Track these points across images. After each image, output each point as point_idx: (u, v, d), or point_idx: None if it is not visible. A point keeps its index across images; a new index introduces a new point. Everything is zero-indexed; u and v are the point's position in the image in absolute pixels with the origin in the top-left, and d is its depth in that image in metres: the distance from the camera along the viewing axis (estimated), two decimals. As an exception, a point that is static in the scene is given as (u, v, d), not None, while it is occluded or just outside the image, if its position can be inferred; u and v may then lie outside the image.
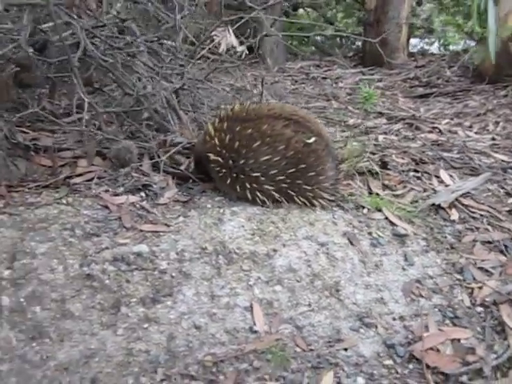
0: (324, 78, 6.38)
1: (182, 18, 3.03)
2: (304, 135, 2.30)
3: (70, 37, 2.88)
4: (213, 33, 2.73)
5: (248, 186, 2.22)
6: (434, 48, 7.62)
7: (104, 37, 2.89)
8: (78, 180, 2.32)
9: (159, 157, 2.58)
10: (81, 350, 1.64)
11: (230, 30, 2.71)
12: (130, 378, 1.58)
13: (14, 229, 1.88)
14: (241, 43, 2.72)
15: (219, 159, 2.25)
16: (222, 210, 2.18)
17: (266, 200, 2.25)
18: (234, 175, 2.24)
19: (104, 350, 1.64)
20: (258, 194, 2.23)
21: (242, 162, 2.22)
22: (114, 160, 2.41)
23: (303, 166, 2.26)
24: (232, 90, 4.18)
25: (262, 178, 2.22)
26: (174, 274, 1.86)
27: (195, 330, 1.74)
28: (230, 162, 2.24)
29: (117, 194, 2.21)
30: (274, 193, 2.24)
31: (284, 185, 2.25)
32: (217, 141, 2.27)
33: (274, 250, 2.00)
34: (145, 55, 3.01)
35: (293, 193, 2.27)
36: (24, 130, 2.73)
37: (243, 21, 3.06)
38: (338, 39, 8.30)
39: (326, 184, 2.35)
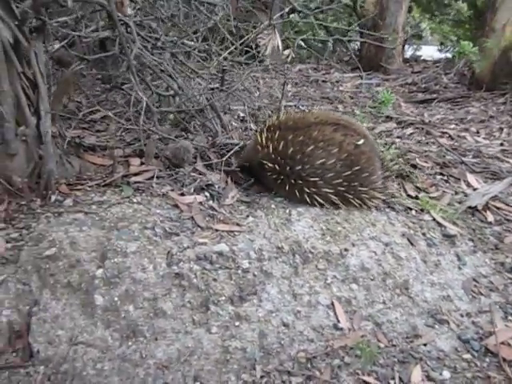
0: (324, 82, 6.49)
1: (219, 19, 3.06)
2: (353, 138, 2.38)
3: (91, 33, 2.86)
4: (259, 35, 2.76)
5: (307, 190, 2.28)
6: (425, 54, 7.88)
7: (149, 37, 2.89)
8: (137, 179, 2.31)
9: (210, 158, 2.61)
10: (178, 348, 1.66)
11: (277, 33, 2.75)
12: (231, 375, 1.62)
13: (97, 227, 1.87)
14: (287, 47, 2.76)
15: (276, 167, 2.30)
16: (287, 211, 2.23)
17: (324, 203, 2.30)
18: (293, 181, 2.29)
19: (201, 348, 1.67)
20: (317, 197, 2.28)
21: (298, 167, 2.28)
22: (172, 159, 2.42)
23: (357, 167, 2.33)
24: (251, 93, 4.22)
25: (320, 182, 2.28)
26: (256, 273, 1.90)
27: (284, 327, 1.79)
28: (287, 168, 2.29)
29: (183, 194, 2.22)
30: (332, 196, 2.30)
31: (341, 188, 2.31)
32: (271, 149, 2.32)
33: (346, 250, 2.07)
34: (184, 56, 3.01)
35: (349, 195, 2.34)
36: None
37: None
38: (330, 43, 8.43)
39: (378, 183, 2.44)
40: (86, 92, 3.54)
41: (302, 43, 8.22)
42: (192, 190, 2.24)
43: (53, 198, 2.09)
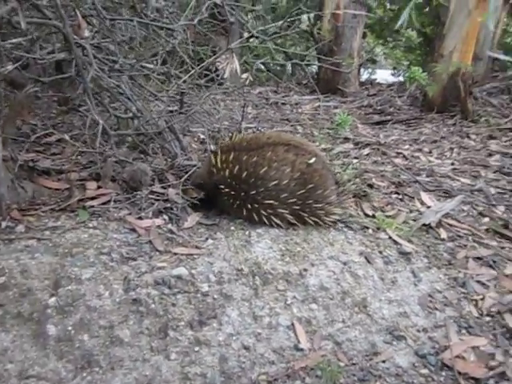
0: (284, 104, 6.62)
1: (178, 42, 3.09)
2: (304, 157, 2.44)
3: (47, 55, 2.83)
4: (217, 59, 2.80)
5: (264, 212, 2.31)
6: (380, 78, 8.19)
7: (104, 59, 2.87)
8: (94, 203, 2.26)
9: (168, 179, 2.60)
10: (135, 377, 1.62)
11: (235, 57, 2.80)
12: (191, 403, 1.58)
13: (50, 254, 1.81)
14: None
15: (231, 192, 2.32)
16: (247, 232, 2.23)
17: (281, 223, 2.34)
18: (249, 206, 2.31)
19: (160, 375, 1.63)
20: (274, 218, 2.32)
21: (253, 192, 2.30)
22: (129, 182, 2.39)
23: (311, 185, 2.39)
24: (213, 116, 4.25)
25: (276, 203, 2.31)
26: (215, 296, 1.88)
27: (244, 350, 1.77)
28: (242, 193, 2.31)
29: (140, 217, 2.19)
30: (288, 216, 2.34)
31: (296, 207, 2.36)
32: (227, 173, 2.33)
33: (305, 270, 2.09)
34: (142, 79, 3.01)
35: (305, 214, 2.38)
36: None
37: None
38: (289, 67, 8.64)
39: (333, 198, 2.51)
40: (40, 114, 3.47)
41: (262, 66, 8.41)
42: (150, 214, 2.21)
43: (3, 224, 2.01)
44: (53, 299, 1.66)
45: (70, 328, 1.63)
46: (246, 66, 7.19)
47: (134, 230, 2.10)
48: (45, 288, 1.68)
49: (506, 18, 6.34)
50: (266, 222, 2.32)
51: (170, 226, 2.19)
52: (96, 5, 2.21)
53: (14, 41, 2.83)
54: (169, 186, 2.50)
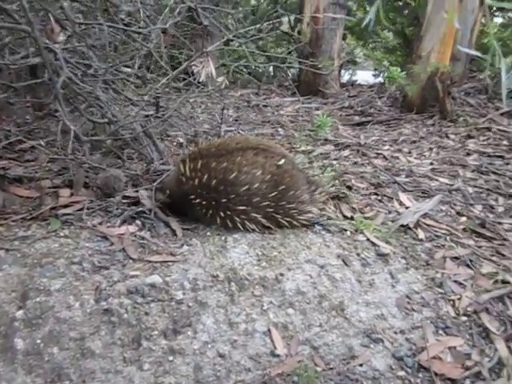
0: (265, 106, 6.62)
1: (153, 45, 3.05)
2: (274, 159, 2.42)
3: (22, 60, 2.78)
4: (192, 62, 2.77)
5: (237, 219, 2.28)
6: (361, 79, 8.24)
7: (76, 62, 2.82)
8: (66, 211, 2.22)
9: (142, 184, 2.56)
10: (107, 389, 1.57)
11: (210, 61, 2.78)
12: (164, 414, 1.55)
13: (18, 265, 1.76)
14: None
15: (202, 201, 2.27)
16: (223, 238, 2.21)
17: (255, 228, 2.32)
18: (222, 214, 2.27)
19: (132, 386, 1.59)
20: (248, 223, 2.30)
21: (224, 200, 2.26)
22: (103, 188, 2.35)
23: (282, 186, 2.37)
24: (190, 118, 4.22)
25: (249, 208, 2.29)
26: (190, 304, 1.85)
27: (220, 358, 1.75)
28: (213, 202, 2.27)
29: (112, 225, 2.15)
30: (262, 219, 2.32)
31: (269, 209, 2.34)
32: (196, 182, 2.27)
33: (282, 274, 2.07)
34: (118, 83, 2.97)
35: (278, 215, 2.37)
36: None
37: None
38: (271, 68, 8.64)
39: (305, 197, 2.50)
40: (16, 120, 3.40)
41: (244, 69, 8.40)
42: (123, 221, 2.17)
43: (-29, 234, 1.96)
44: (20, 312, 1.62)
45: (38, 341, 1.59)
46: (226, 69, 7.19)
47: (106, 238, 2.06)
48: (12, 300, 1.63)
49: (482, 19, 6.41)
50: (241, 227, 2.30)
51: (143, 232, 2.15)
52: (65, 9, 2.16)
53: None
54: (142, 190, 2.46)
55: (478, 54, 1.73)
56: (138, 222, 2.22)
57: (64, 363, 1.59)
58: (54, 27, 3.08)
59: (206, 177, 2.25)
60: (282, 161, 2.42)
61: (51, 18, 2.64)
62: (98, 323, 1.69)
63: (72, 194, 2.40)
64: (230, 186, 2.25)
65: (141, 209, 2.30)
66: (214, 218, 2.29)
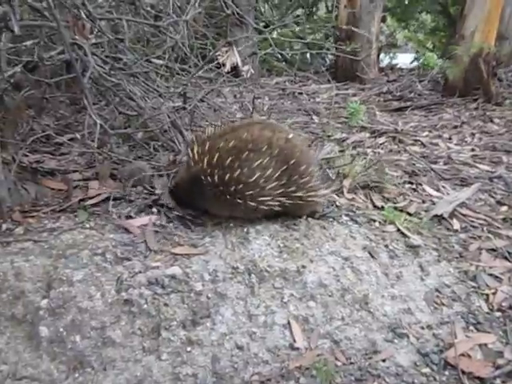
0: (300, 94, 6.51)
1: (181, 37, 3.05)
2: (281, 133, 2.28)
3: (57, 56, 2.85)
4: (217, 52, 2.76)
5: (251, 203, 2.14)
6: (402, 63, 7.95)
7: (105, 57, 2.87)
8: (93, 202, 2.28)
9: (168, 176, 2.59)
10: (126, 377, 1.62)
11: (235, 50, 2.75)
12: (181, 404, 1.57)
13: (44, 256, 1.83)
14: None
15: (213, 181, 2.12)
16: (245, 229, 2.20)
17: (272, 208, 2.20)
18: (231, 195, 2.13)
19: (150, 376, 1.63)
20: (262, 206, 2.17)
21: (238, 186, 2.11)
22: (128, 180, 2.39)
23: (293, 161, 2.21)
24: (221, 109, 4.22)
25: (257, 190, 2.13)
26: (209, 295, 1.86)
27: (238, 350, 1.75)
28: (222, 183, 2.12)
29: (133, 217, 2.18)
30: (272, 202, 2.19)
31: (281, 189, 2.19)
32: (205, 163, 2.13)
33: (303, 267, 2.04)
34: (147, 75, 3.00)
35: (293, 193, 2.21)
36: (24, 152, 2.67)
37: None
38: (308, 55, 8.49)
39: (317, 174, 2.38)
40: (54, 114, 3.52)
41: (280, 56, 8.29)
42: (140, 210, 2.21)
43: (4, 226, 2.05)
44: (45, 301, 1.68)
45: (61, 329, 1.64)
46: (262, 58, 7.11)
47: (129, 230, 2.10)
48: (37, 290, 1.70)
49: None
50: (251, 214, 2.21)
51: (165, 223, 2.17)
52: (86, 5, 2.19)
53: (19, 44, 2.87)
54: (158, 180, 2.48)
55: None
56: (162, 214, 2.24)
57: (86, 351, 1.63)
58: (84, 24, 3.14)
59: (214, 156, 2.11)
60: (291, 135, 2.32)
61: (82, 15, 2.70)
62: (119, 313, 1.72)
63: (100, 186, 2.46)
64: (238, 165, 2.10)
65: (156, 197, 2.32)
66: (223, 203, 2.16)
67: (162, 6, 2.79)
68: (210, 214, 2.29)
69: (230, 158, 2.10)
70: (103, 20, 2.59)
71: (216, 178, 2.11)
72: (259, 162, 2.13)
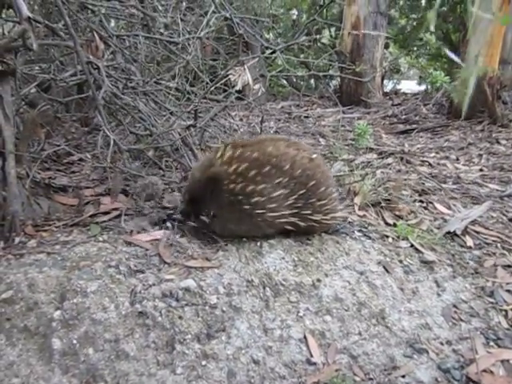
0: (306, 117, 6.58)
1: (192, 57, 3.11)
2: (306, 152, 2.29)
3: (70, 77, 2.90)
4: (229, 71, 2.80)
5: (263, 215, 2.12)
6: (405, 88, 8.05)
7: (118, 77, 2.92)
8: (105, 218, 2.27)
9: (180, 192, 2.59)
10: (140, 392, 1.57)
11: (247, 69, 2.79)
12: (196, 419, 1.52)
13: (58, 267, 1.81)
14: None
15: (234, 188, 2.09)
16: (258, 243, 2.18)
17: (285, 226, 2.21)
18: (247, 206, 2.10)
19: (165, 390, 1.58)
20: (280, 221, 2.16)
21: (254, 199, 2.10)
22: (141, 195, 2.39)
23: (313, 182, 2.21)
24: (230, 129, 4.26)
25: (273, 205, 2.12)
26: (224, 309, 1.83)
27: (254, 364, 1.70)
28: (241, 193, 2.10)
29: (147, 230, 2.17)
30: (286, 220, 2.18)
31: (296, 210, 2.19)
32: (232, 168, 2.10)
33: (318, 280, 2.01)
34: (158, 95, 3.04)
35: (308, 216, 2.21)
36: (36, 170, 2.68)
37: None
38: (312, 80, 8.63)
39: (336, 196, 2.41)
40: (65, 135, 3.56)
41: (285, 81, 8.42)
42: (160, 226, 2.20)
43: (17, 239, 2.04)
44: (58, 312, 1.65)
45: (75, 341, 1.61)
46: (267, 82, 7.22)
47: (143, 243, 2.08)
48: (51, 301, 1.67)
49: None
50: (262, 230, 2.18)
51: (178, 237, 2.16)
52: (103, 22, 2.24)
53: (33, 65, 2.93)
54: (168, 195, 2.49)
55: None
56: (175, 228, 2.23)
57: (99, 364, 1.60)
58: (98, 44, 3.21)
59: (241, 165, 2.10)
60: (315, 155, 2.33)
61: (95, 35, 2.76)
62: (133, 325, 1.69)
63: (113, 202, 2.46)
64: (261, 179, 2.10)
65: (171, 212, 2.31)
66: (236, 213, 2.12)
67: (175, 26, 2.85)
68: (210, 228, 2.26)
69: (254, 171, 2.09)
70: (119, 37, 2.63)
71: (239, 186, 2.08)
72: (279, 180, 2.13)
